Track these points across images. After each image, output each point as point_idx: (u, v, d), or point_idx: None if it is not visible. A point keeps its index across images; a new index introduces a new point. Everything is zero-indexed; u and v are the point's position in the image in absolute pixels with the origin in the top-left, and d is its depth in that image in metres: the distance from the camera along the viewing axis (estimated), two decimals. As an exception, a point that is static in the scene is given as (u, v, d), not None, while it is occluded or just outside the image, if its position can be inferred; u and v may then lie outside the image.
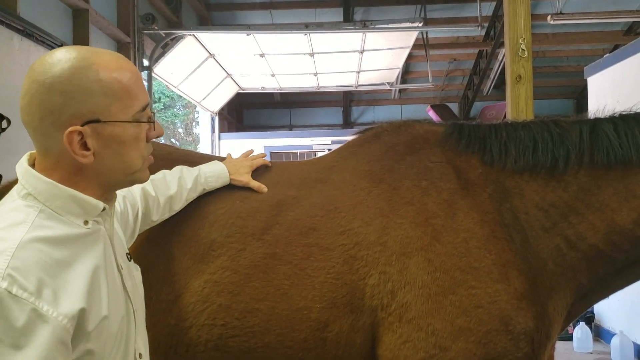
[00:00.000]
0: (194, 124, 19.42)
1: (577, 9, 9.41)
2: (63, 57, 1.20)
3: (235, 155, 2.24)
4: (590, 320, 6.48)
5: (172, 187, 1.90)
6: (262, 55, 8.82)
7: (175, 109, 19.44)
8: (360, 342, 1.81)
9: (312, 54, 8.78)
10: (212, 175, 2.01)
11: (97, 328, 1.17)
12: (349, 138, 2.27)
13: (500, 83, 11.34)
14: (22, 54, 4.67)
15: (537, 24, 9.90)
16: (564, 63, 12.71)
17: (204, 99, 10.32)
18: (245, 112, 14.35)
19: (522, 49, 3.86)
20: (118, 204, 1.61)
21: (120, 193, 1.64)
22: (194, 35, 7.82)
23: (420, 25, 7.72)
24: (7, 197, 1.25)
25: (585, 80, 6.68)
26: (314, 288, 1.81)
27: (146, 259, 1.87)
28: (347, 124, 14.12)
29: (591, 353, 6.08)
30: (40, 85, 1.18)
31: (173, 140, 19.24)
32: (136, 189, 1.78)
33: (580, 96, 13.26)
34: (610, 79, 6.08)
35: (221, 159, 2.18)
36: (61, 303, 1.10)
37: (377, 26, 7.75)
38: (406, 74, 12.94)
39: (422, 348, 1.71)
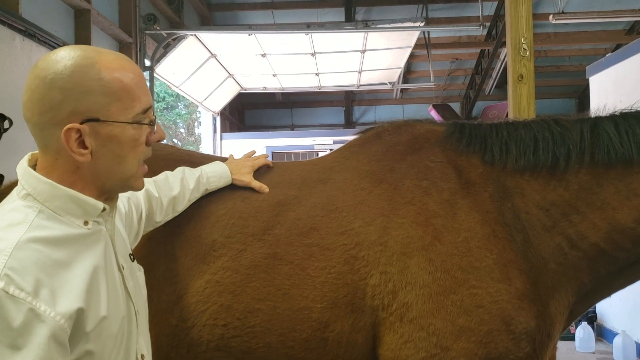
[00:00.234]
0: (196, 124, 19.43)
1: (579, 8, 9.39)
2: (67, 55, 1.20)
3: (238, 155, 2.24)
4: (592, 319, 6.47)
5: (175, 188, 1.90)
6: (263, 55, 8.82)
7: (178, 109, 19.44)
8: (361, 342, 1.81)
9: (313, 54, 8.78)
10: (214, 175, 2.01)
11: (96, 328, 1.17)
12: (351, 138, 2.27)
13: (502, 82, 11.32)
14: (24, 54, 4.68)
15: (539, 23, 9.89)
16: (566, 62, 12.69)
17: (205, 99, 10.32)
18: (247, 112, 14.36)
19: (524, 49, 3.85)
20: (123, 205, 1.62)
21: (124, 194, 1.65)
22: (195, 35, 7.82)
23: (422, 24, 7.71)
24: (8, 198, 1.25)
25: (587, 80, 6.67)
26: (315, 288, 1.81)
27: (147, 260, 1.87)
28: (349, 123, 14.12)
29: (593, 353, 6.08)
30: (41, 81, 1.18)
31: (175, 140, 19.25)
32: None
33: (582, 96, 13.24)
34: (612, 78, 6.07)
35: (223, 160, 2.18)
36: (59, 303, 1.10)
37: (378, 26, 7.74)
38: (408, 73, 12.93)
39: (424, 348, 1.71)
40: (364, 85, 11.19)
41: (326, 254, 1.85)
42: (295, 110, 14.35)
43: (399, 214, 1.86)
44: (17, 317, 1.04)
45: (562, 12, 7.87)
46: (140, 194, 1.77)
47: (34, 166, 1.27)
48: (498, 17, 10.20)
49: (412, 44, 8.54)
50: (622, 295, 5.47)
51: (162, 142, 2.11)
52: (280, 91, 11.96)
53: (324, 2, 10.73)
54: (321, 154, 2.08)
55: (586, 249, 1.86)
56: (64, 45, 5.19)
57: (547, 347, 1.81)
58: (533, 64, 3.91)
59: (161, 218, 1.87)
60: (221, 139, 11.47)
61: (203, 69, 9.04)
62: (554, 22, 7.92)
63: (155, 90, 15.81)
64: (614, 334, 5.94)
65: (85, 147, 1.21)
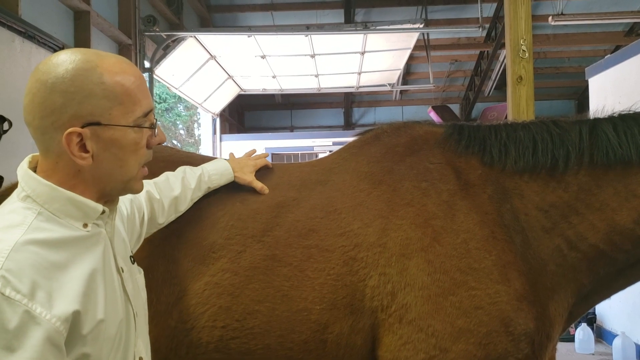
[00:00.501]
0: (195, 125, 19.42)
1: (578, 10, 9.41)
2: (68, 59, 1.20)
3: (238, 155, 2.24)
4: (591, 321, 6.47)
5: (176, 188, 1.90)
6: (263, 57, 8.82)
7: (177, 110, 19.44)
8: (360, 343, 1.81)
9: (313, 55, 8.78)
10: (215, 173, 2.01)
11: (93, 331, 1.17)
12: (350, 139, 2.27)
13: (502, 84, 11.32)
14: (24, 56, 4.68)
15: (538, 24, 9.90)
16: (565, 64, 12.70)
17: (205, 100, 10.32)
18: (246, 113, 14.36)
19: (523, 50, 3.85)
20: (125, 207, 1.62)
21: (127, 197, 1.65)
22: (195, 36, 7.82)
23: (421, 26, 7.71)
24: (8, 199, 1.25)
25: (587, 81, 6.68)
26: (314, 289, 1.81)
27: (147, 261, 1.87)
28: (348, 125, 14.12)
29: (593, 354, 6.07)
30: (42, 85, 1.18)
31: (175, 142, 19.24)
32: (141, 192, 1.78)
33: (582, 97, 13.25)
34: (611, 79, 6.07)
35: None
36: (55, 305, 1.10)
37: (378, 27, 7.75)
38: (407, 75, 12.94)
39: (423, 349, 1.71)
40: (364, 86, 11.20)
41: (325, 255, 1.85)
42: (294, 112, 14.35)
43: (398, 215, 1.86)
44: (13, 319, 1.04)
45: (562, 14, 7.88)
46: (142, 197, 1.76)
47: (34, 168, 1.26)
48: (497, 19, 10.21)
49: (412, 45, 8.54)
50: (621, 296, 5.47)
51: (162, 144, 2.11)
52: (280, 92, 11.95)
53: (323, 3, 10.74)
54: (320, 156, 2.09)
55: (585, 250, 1.86)
56: (63, 46, 5.19)
57: (546, 348, 1.81)
58: (532, 66, 3.91)
59: (164, 219, 1.86)
60: (221, 140, 11.46)
61: (202, 71, 9.04)
62: (553, 23, 7.93)
63: (157, 91, 15.84)
64: (614, 336, 5.93)
65: (87, 151, 1.21)
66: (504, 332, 1.72)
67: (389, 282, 1.78)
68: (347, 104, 14.13)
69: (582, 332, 6.12)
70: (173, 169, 2.08)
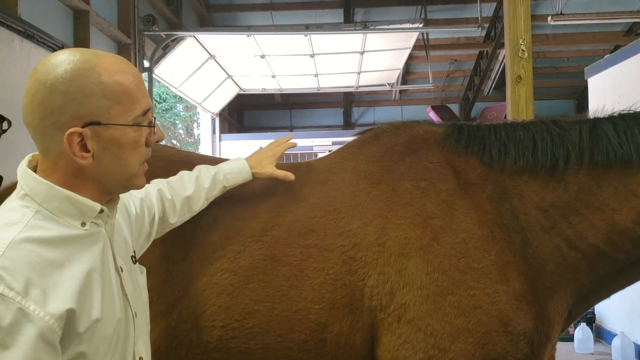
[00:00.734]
0: (195, 125, 19.41)
1: (577, 10, 9.40)
2: (66, 59, 1.21)
3: (237, 156, 2.23)
4: (591, 321, 6.47)
5: (189, 187, 1.88)
6: (262, 57, 8.81)
7: (177, 110, 19.43)
8: (359, 343, 1.81)
9: (312, 55, 8.77)
10: (231, 172, 1.97)
11: (89, 330, 1.17)
12: (350, 139, 2.27)
13: (501, 84, 11.32)
14: (23, 56, 4.67)
15: (537, 24, 9.90)
16: (565, 64, 12.70)
17: (204, 100, 10.31)
18: (245, 113, 14.35)
19: (522, 50, 3.85)
20: (134, 206, 1.63)
21: (137, 195, 1.67)
22: (194, 36, 7.81)
23: (421, 26, 7.71)
24: (9, 198, 1.25)
25: (586, 81, 6.67)
26: (313, 289, 1.81)
27: (146, 261, 1.87)
28: (348, 125, 14.12)
29: (592, 354, 6.08)
30: (42, 86, 1.18)
31: (174, 141, 19.23)
32: (153, 191, 1.78)
33: (581, 97, 13.25)
34: (610, 79, 6.07)
35: (221, 160, 2.17)
36: (49, 303, 1.10)
37: (377, 27, 7.74)
38: (407, 74, 12.94)
39: (421, 349, 1.71)
40: (363, 86, 11.19)
41: (324, 255, 1.85)
42: (294, 112, 14.34)
43: (397, 215, 1.87)
44: (6, 316, 1.04)
45: (561, 14, 7.88)
46: (154, 196, 1.77)
47: (34, 168, 1.27)
48: (497, 19, 10.21)
49: (411, 45, 8.54)
50: (620, 296, 5.47)
51: (161, 143, 2.11)
52: (279, 92, 11.94)
53: (322, 3, 10.73)
54: (320, 155, 2.09)
55: (585, 250, 1.86)
56: (62, 46, 5.19)
57: (545, 348, 1.81)
58: (531, 65, 3.91)
59: (176, 219, 1.85)
60: (220, 140, 11.46)
61: (202, 70, 9.04)
62: (552, 23, 7.93)
63: (156, 91, 15.82)
64: (613, 335, 5.94)
65: (87, 151, 1.22)
66: (503, 331, 1.72)
67: (388, 282, 1.78)
68: (346, 104, 14.12)
69: (582, 332, 6.12)
70: (173, 168, 2.08)
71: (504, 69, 7.14)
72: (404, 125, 2.19)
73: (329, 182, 2.04)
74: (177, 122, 19.76)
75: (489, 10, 10.42)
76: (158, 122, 1.38)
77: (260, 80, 10.48)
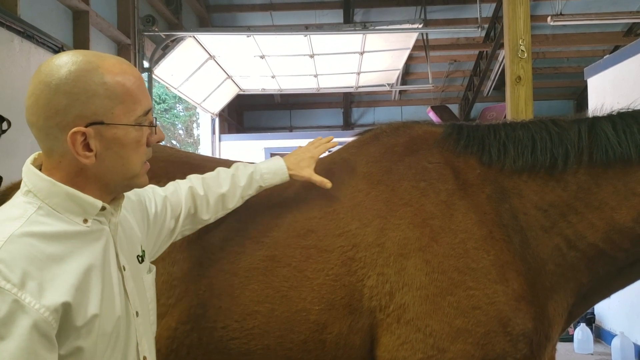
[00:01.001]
0: (194, 125, 19.40)
1: (577, 10, 9.41)
2: (69, 60, 1.23)
3: (237, 156, 2.23)
4: (590, 321, 6.48)
5: (224, 185, 1.88)
6: (262, 57, 8.82)
7: (176, 110, 19.43)
8: (359, 343, 1.81)
9: (312, 55, 8.78)
10: (268, 171, 1.95)
11: (86, 326, 1.18)
12: (349, 139, 2.27)
13: (501, 84, 11.33)
14: (23, 56, 4.68)
15: (537, 25, 9.91)
16: (564, 64, 12.70)
17: (204, 100, 10.32)
18: (245, 113, 14.35)
19: (522, 50, 3.85)
20: (155, 204, 1.66)
21: (161, 193, 1.70)
22: (194, 36, 7.81)
23: (420, 26, 7.71)
24: (15, 194, 1.29)
25: (585, 82, 6.68)
26: (313, 290, 1.82)
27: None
28: (348, 125, 14.11)
29: (592, 354, 6.08)
30: (46, 86, 1.21)
31: (174, 142, 19.23)
32: (184, 188, 1.79)
33: (581, 97, 13.25)
34: (610, 80, 6.08)
35: (221, 160, 2.17)
36: (45, 295, 1.12)
37: (377, 27, 7.75)
38: (406, 75, 12.94)
39: (420, 349, 1.71)
40: (363, 86, 11.20)
41: (323, 255, 1.85)
42: (293, 112, 14.34)
43: (396, 215, 1.86)
44: (2, 308, 1.06)
45: (560, 14, 7.88)
46: (183, 193, 1.78)
47: (39, 167, 1.30)
48: (496, 19, 10.21)
49: (411, 45, 8.54)
50: (620, 296, 5.48)
51: (161, 144, 2.11)
52: (279, 92, 11.95)
53: (322, 3, 10.74)
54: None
55: (585, 249, 1.86)
56: (62, 46, 5.19)
57: (545, 348, 1.81)
58: (531, 66, 3.91)
59: (209, 216, 1.85)
60: (220, 140, 11.46)
61: (202, 71, 9.04)
62: (552, 23, 7.93)
63: (156, 92, 15.81)
64: (613, 336, 5.94)
65: (90, 150, 1.24)
66: (502, 332, 1.72)
67: (387, 282, 1.78)
68: (346, 104, 14.12)
69: (581, 332, 6.12)
70: (173, 168, 2.08)
71: (503, 70, 7.13)
72: (403, 126, 2.18)
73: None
74: (177, 122, 19.76)
75: (488, 10, 10.42)
76: (158, 123, 1.40)
77: (260, 80, 10.49)
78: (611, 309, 6.26)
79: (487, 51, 11.04)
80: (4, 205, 1.26)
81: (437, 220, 1.83)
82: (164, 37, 7.51)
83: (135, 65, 6.82)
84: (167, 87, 9.25)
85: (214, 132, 11.41)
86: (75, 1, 5.71)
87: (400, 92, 13.66)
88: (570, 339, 6.19)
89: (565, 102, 13.89)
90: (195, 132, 19.18)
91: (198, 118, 15.33)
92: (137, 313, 1.38)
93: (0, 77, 4.36)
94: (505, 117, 4.05)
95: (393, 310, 1.76)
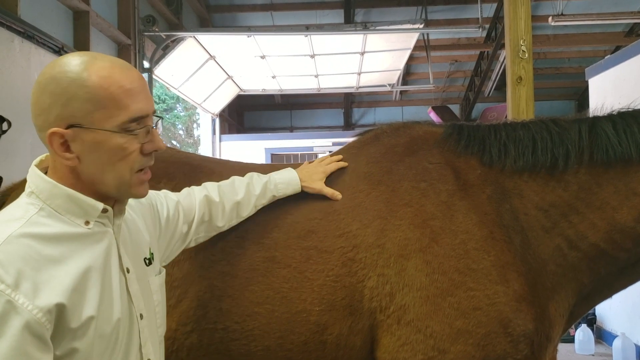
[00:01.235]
0: (194, 125, 19.41)
1: (578, 10, 9.41)
2: (66, 61, 1.24)
3: (237, 156, 2.23)
4: (592, 322, 6.47)
5: (240, 192, 1.88)
6: (262, 57, 8.82)
7: (176, 111, 19.43)
8: (359, 344, 1.80)
9: (312, 56, 8.78)
10: (282, 182, 1.97)
11: (82, 327, 1.18)
12: (350, 140, 2.27)
13: (502, 84, 11.33)
14: (23, 56, 4.67)
15: (538, 25, 9.90)
16: (565, 64, 12.70)
17: (204, 100, 10.32)
18: (246, 113, 14.36)
19: (523, 51, 3.85)
20: (167, 209, 1.66)
21: (174, 198, 1.71)
22: (194, 37, 7.82)
23: (421, 26, 7.71)
24: (21, 195, 1.30)
25: (587, 82, 6.67)
26: (313, 291, 1.81)
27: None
28: (348, 125, 14.12)
29: (593, 355, 6.07)
30: (38, 85, 1.23)
31: (174, 142, 19.23)
32: (198, 194, 1.79)
33: (582, 97, 13.26)
34: (611, 80, 6.07)
35: (222, 161, 2.16)
36: (39, 296, 1.12)
37: (377, 28, 7.75)
38: (407, 75, 12.94)
39: (421, 350, 1.71)
40: (363, 87, 11.20)
41: (324, 256, 1.85)
42: (294, 112, 14.34)
43: (397, 216, 1.86)
44: None
45: (562, 14, 7.88)
46: (197, 198, 1.78)
47: (45, 168, 1.31)
48: (497, 19, 10.21)
49: (412, 45, 8.55)
50: (621, 297, 5.47)
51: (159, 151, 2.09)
52: (280, 93, 11.96)
53: (323, 3, 10.74)
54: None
55: (586, 249, 1.85)
56: (62, 47, 5.20)
57: (546, 349, 1.81)
58: (532, 66, 3.91)
59: (224, 223, 1.86)
60: (220, 140, 11.47)
61: (202, 71, 9.04)
62: (553, 24, 7.93)
63: (156, 92, 15.82)
64: (614, 336, 5.93)
65: (71, 152, 1.24)
66: (503, 333, 1.71)
67: (388, 283, 1.77)
68: (346, 105, 14.12)
69: (582, 333, 6.11)
70: (173, 169, 2.08)
71: (504, 70, 7.13)
72: (404, 126, 2.18)
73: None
74: (177, 122, 19.76)
75: (489, 10, 10.43)
76: (158, 129, 1.36)
77: (261, 80, 10.49)
78: (612, 310, 6.25)
79: (488, 51, 11.05)
80: (8, 206, 1.27)
81: (437, 221, 1.82)
82: (164, 37, 7.51)
83: (135, 66, 6.84)
84: (167, 88, 9.25)
85: (214, 133, 11.42)
86: (75, 1, 5.71)
87: (401, 92, 13.67)
88: (571, 339, 6.18)
89: (566, 103, 13.89)
90: (196, 132, 19.19)
91: (198, 118, 15.34)
92: (141, 315, 1.37)
93: (0, 77, 4.36)
94: (506, 117, 4.04)
95: (393, 311, 1.75)
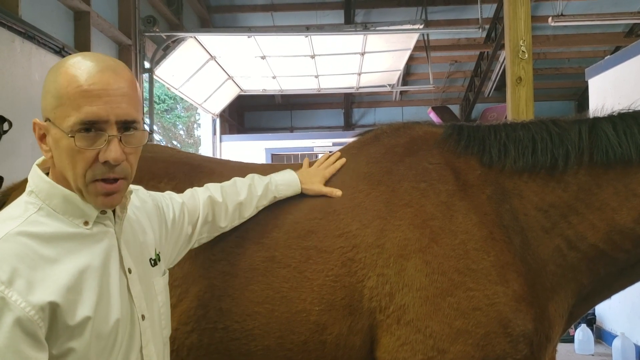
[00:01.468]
0: (195, 126, 19.40)
1: (578, 11, 9.40)
2: (64, 58, 1.27)
3: (237, 157, 2.23)
4: (591, 322, 6.47)
5: (242, 193, 1.89)
6: (263, 57, 8.82)
7: (176, 111, 19.43)
8: (359, 344, 1.81)
9: (313, 56, 8.78)
10: (283, 183, 1.99)
11: (78, 327, 1.18)
12: (350, 140, 2.27)
13: (502, 85, 11.33)
14: (24, 57, 4.68)
15: (538, 25, 9.91)
16: (565, 65, 12.69)
17: (205, 101, 10.32)
18: (246, 114, 14.36)
19: (523, 51, 3.85)
20: (173, 210, 1.66)
21: (178, 199, 1.71)
22: (195, 37, 7.82)
23: (421, 27, 7.70)
24: (23, 193, 1.31)
25: (587, 82, 6.68)
26: (313, 291, 1.81)
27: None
28: (348, 125, 14.11)
29: (592, 355, 6.07)
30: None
31: (174, 142, 19.22)
32: (202, 195, 1.80)
33: (582, 98, 13.24)
34: (611, 80, 6.08)
35: (222, 161, 2.17)
36: (33, 294, 1.12)
37: (378, 28, 7.75)
38: (407, 75, 12.94)
39: (420, 350, 1.71)
40: (364, 87, 11.20)
41: (324, 256, 1.85)
42: (294, 112, 14.34)
43: (396, 216, 1.86)
44: None
45: (561, 15, 7.88)
46: (201, 198, 1.79)
47: (48, 168, 1.32)
48: (497, 20, 10.21)
49: (412, 46, 8.55)
50: (621, 297, 5.47)
51: (162, 144, 2.11)
52: (280, 93, 11.96)
53: (323, 4, 10.74)
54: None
55: (585, 250, 1.85)
56: (63, 47, 5.20)
57: (545, 349, 1.81)
58: (532, 67, 3.91)
59: (226, 223, 1.86)
60: (220, 140, 11.47)
61: (202, 71, 9.05)
62: (553, 24, 7.93)
63: (156, 92, 15.82)
64: (613, 336, 5.93)
65: (47, 144, 1.26)
66: (502, 333, 1.71)
67: (387, 283, 1.78)
68: (347, 105, 14.12)
69: (582, 333, 6.12)
70: (174, 169, 2.09)
71: (504, 70, 7.13)
72: (404, 127, 2.18)
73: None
74: (178, 123, 19.76)
75: (489, 11, 10.43)
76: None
77: (261, 81, 10.50)
78: (612, 310, 6.26)
79: (488, 52, 11.04)
80: (9, 205, 1.28)
81: (437, 221, 1.83)
82: (164, 37, 7.52)
83: (136, 66, 6.85)
84: (168, 88, 9.25)
85: (214, 133, 11.42)
86: (76, 2, 5.71)
87: (401, 92, 13.66)
88: (571, 339, 6.18)
89: (566, 103, 13.88)
90: (196, 132, 19.18)
91: (199, 119, 15.34)
92: (143, 317, 1.37)
93: (1, 77, 4.36)
94: (506, 118, 4.05)
95: (393, 311, 1.75)
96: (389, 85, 11.10)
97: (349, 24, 10.09)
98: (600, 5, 9.71)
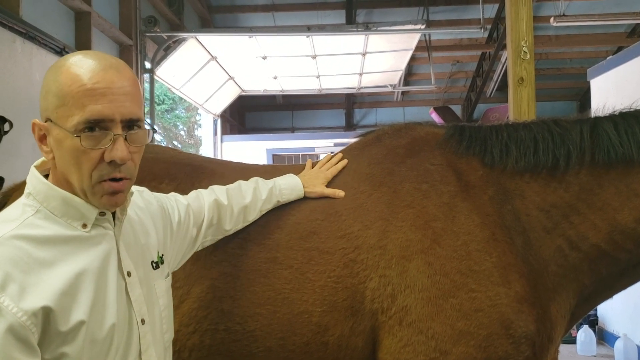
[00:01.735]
0: (195, 126, 19.41)
1: (580, 11, 9.40)
2: (64, 56, 1.26)
3: (237, 157, 2.23)
4: (593, 323, 6.46)
5: (247, 196, 1.88)
6: (264, 58, 8.83)
7: (177, 112, 19.44)
8: (361, 345, 1.80)
9: (314, 56, 8.78)
10: (286, 187, 1.99)
11: (72, 331, 1.16)
12: (352, 140, 2.27)
13: (503, 85, 11.33)
14: (25, 57, 4.68)
15: (540, 25, 9.90)
16: (567, 65, 12.69)
17: (206, 101, 10.33)
18: (247, 114, 14.37)
19: (524, 51, 3.84)
20: (178, 212, 1.64)
21: (183, 201, 1.69)
22: (196, 37, 7.83)
23: (423, 27, 7.70)
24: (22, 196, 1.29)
25: (589, 83, 6.67)
26: (315, 292, 1.81)
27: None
28: (350, 126, 14.12)
29: (595, 356, 6.06)
30: None
31: (175, 142, 19.24)
32: (207, 197, 1.79)
33: (584, 98, 13.25)
34: (613, 80, 6.07)
35: (223, 162, 2.16)
36: (26, 299, 1.10)
37: (379, 28, 7.75)
38: (409, 76, 12.94)
39: (423, 352, 1.70)
40: (365, 87, 11.20)
41: (325, 257, 1.84)
42: (295, 113, 14.34)
43: (398, 217, 1.86)
44: None
45: (563, 15, 7.87)
46: (206, 201, 1.78)
47: (47, 170, 1.30)
48: (499, 20, 10.21)
49: (413, 46, 8.55)
50: (623, 298, 5.46)
51: (162, 145, 2.10)
52: (281, 93, 11.97)
53: (324, 4, 10.74)
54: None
55: (587, 250, 1.85)
56: (64, 47, 5.20)
57: (547, 350, 1.81)
58: (533, 67, 3.91)
59: (231, 226, 1.86)
60: (221, 141, 11.48)
61: (203, 72, 9.05)
62: (555, 24, 7.92)
63: (157, 92, 15.82)
64: (616, 337, 5.92)
65: (47, 145, 1.24)
66: (505, 334, 1.71)
67: (389, 284, 1.77)
68: (348, 105, 14.13)
69: (584, 334, 6.11)
70: (175, 170, 2.08)
71: (506, 71, 7.13)
72: (405, 127, 2.18)
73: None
74: (179, 123, 19.77)
75: (491, 11, 10.42)
76: (145, 139, 1.28)
77: (262, 81, 10.50)
78: (614, 311, 6.24)
79: (489, 52, 11.05)
80: (8, 207, 1.26)
81: (439, 223, 1.82)
82: (165, 37, 7.52)
83: (137, 66, 6.85)
84: (169, 88, 9.26)
85: (215, 133, 11.43)
86: (77, 2, 5.72)
87: (403, 93, 13.67)
88: (573, 340, 6.18)
89: (568, 103, 13.88)
90: (197, 133, 19.19)
91: (199, 119, 15.34)
92: (142, 321, 1.34)
93: (2, 78, 4.36)
94: (508, 118, 4.04)
95: (395, 313, 1.75)
96: (391, 85, 11.09)
97: (351, 24, 10.09)
98: (603, 5, 9.71)
